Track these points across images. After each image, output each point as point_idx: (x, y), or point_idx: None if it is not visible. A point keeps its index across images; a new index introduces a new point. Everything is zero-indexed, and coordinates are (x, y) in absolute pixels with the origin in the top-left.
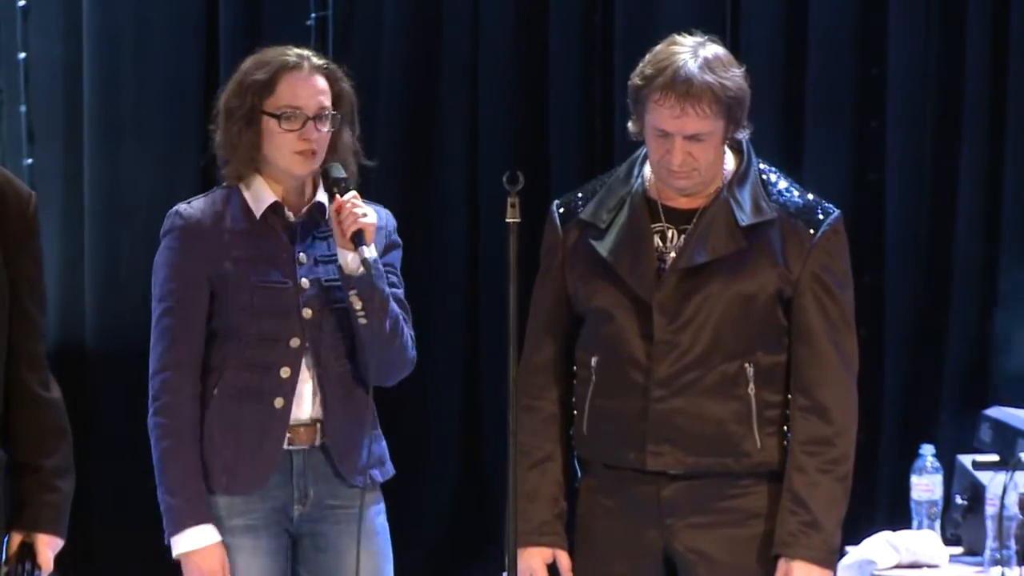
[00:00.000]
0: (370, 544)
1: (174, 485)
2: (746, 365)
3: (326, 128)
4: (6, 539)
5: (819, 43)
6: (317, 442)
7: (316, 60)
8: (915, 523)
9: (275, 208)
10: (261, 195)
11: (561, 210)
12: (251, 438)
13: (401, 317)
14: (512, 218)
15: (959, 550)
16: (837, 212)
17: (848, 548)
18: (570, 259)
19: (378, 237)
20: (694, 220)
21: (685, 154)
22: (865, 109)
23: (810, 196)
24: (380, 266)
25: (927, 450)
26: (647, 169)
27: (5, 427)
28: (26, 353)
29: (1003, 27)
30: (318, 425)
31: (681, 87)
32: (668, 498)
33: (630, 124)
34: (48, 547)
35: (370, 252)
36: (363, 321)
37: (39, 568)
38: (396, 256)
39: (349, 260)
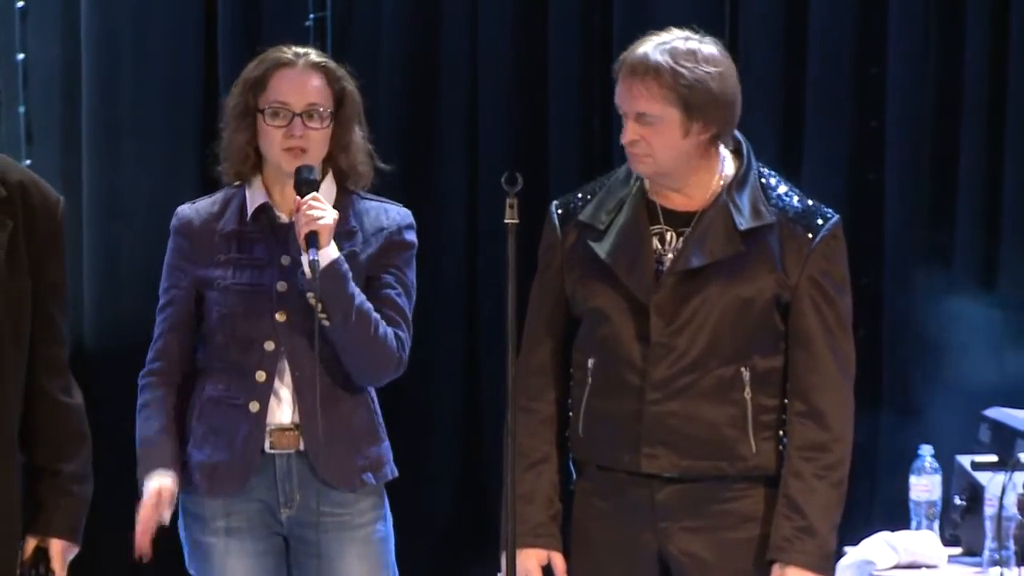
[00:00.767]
0: (363, 551)
1: (143, 440)
2: (742, 369)
3: (317, 125)
4: (22, 543)
5: (818, 43)
6: (301, 447)
7: (314, 58)
8: (914, 523)
9: (264, 209)
10: (255, 196)
11: (560, 211)
12: (229, 441)
13: (377, 317)
14: (511, 219)
15: (958, 550)
16: (836, 217)
17: (847, 548)
18: (568, 260)
19: (377, 237)
20: (693, 223)
21: (637, 135)
22: (864, 109)
23: (809, 201)
24: (344, 267)
25: (926, 450)
26: None
27: (25, 431)
28: (48, 358)
29: (1003, 27)
30: (299, 430)
31: (632, 64)
32: (662, 501)
33: None
34: (62, 553)
35: (324, 254)
36: (325, 323)
37: (52, 573)
38: (401, 257)
39: (304, 262)
